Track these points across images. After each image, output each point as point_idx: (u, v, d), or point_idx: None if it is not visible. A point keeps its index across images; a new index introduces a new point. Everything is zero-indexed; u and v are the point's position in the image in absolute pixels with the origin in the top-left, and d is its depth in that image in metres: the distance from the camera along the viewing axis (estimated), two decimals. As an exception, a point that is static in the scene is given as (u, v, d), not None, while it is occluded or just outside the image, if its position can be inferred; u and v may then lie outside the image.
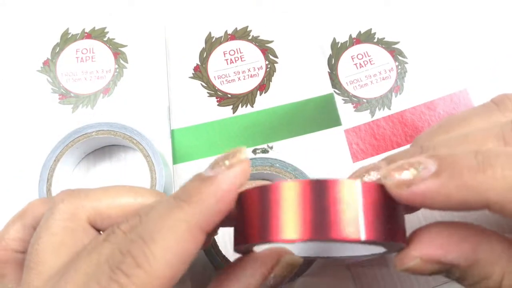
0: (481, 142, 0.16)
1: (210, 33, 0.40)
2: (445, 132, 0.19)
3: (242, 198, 0.18)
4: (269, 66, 0.38)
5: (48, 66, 0.38)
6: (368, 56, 0.39)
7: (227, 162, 0.17)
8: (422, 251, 0.17)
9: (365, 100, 0.37)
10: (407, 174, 0.16)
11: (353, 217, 0.16)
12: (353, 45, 0.39)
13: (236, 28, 0.40)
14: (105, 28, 0.40)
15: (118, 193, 0.21)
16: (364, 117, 0.36)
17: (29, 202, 0.22)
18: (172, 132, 0.36)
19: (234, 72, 0.38)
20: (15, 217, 0.22)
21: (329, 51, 0.39)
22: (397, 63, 0.38)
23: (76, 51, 0.39)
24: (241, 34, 0.40)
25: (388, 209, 0.16)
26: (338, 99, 0.37)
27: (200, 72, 0.38)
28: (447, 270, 0.17)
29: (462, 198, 0.15)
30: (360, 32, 0.40)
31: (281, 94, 0.37)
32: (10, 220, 0.22)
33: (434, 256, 0.16)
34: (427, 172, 0.15)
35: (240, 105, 0.37)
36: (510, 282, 0.16)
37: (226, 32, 0.40)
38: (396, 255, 0.18)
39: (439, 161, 0.15)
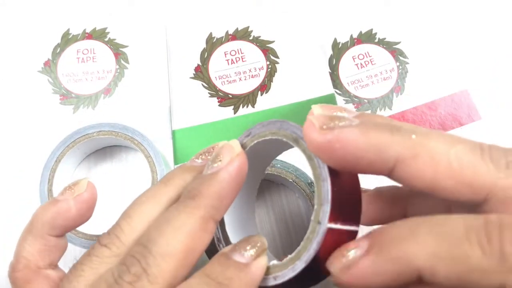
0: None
1: (211, 34, 0.40)
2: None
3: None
4: (270, 66, 0.38)
5: (49, 66, 0.38)
6: (369, 57, 0.39)
7: (227, 158, 0.19)
8: (347, 277, 0.17)
9: (366, 101, 0.37)
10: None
11: None
12: (354, 45, 0.39)
13: (237, 29, 0.40)
14: (106, 28, 0.40)
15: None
16: (365, 118, 0.36)
17: (33, 213, 0.21)
18: (173, 132, 0.35)
19: (235, 73, 0.38)
20: (25, 233, 0.21)
21: (330, 51, 0.39)
22: (398, 64, 0.38)
23: (77, 52, 0.39)
24: (242, 34, 0.40)
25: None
26: (339, 100, 0.37)
27: (201, 73, 0.38)
28: None
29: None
30: (361, 32, 0.40)
31: (282, 95, 0.37)
32: (21, 237, 0.21)
33: (358, 284, 0.16)
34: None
35: (241, 105, 0.37)
36: None
37: (227, 32, 0.40)
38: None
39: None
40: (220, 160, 0.19)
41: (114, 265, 0.18)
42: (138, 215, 0.20)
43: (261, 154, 0.23)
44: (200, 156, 0.22)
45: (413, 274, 0.15)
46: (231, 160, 0.19)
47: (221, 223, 0.23)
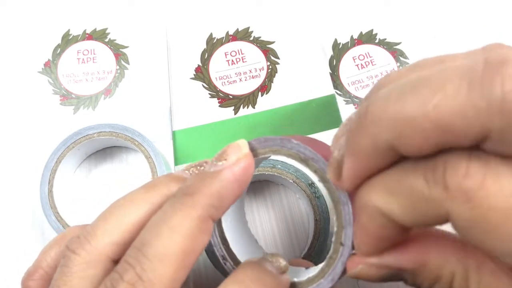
0: (437, 86, 0.12)
1: (211, 34, 0.40)
2: (413, 72, 0.15)
3: None
4: (270, 67, 0.38)
5: (49, 67, 0.38)
6: (370, 57, 0.39)
7: (234, 157, 0.18)
8: (366, 257, 0.17)
9: (366, 101, 0.37)
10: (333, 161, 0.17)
11: None
12: (354, 46, 0.39)
13: (237, 29, 0.40)
14: (106, 29, 0.40)
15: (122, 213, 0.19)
16: (365, 118, 0.36)
17: (67, 228, 0.21)
18: (173, 133, 0.35)
19: (235, 73, 0.38)
20: (52, 243, 0.21)
21: (330, 52, 0.39)
22: (398, 64, 0.38)
23: (77, 52, 0.39)
24: (243, 35, 0.40)
25: None
26: (340, 100, 0.37)
27: (201, 73, 0.38)
28: (396, 275, 0.17)
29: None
30: (361, 33, 0.40)
31: (283, 95, 0.37)
32: (47, 246, 0.21)
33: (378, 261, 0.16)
34: (341, 150, 0.17)
35: (241, 106, 0.37)
36: (460, 283, 0.15)
37: (227, 33, 0.40)
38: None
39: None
40: (226, 159, 0.18)
41: (107, 276, 0.17)
42: (114, 219, 0.19)
43: None
44: (191, 169, 0.21)
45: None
46: (238, 160, 0.18)
47: (224, 242, 0.22)
